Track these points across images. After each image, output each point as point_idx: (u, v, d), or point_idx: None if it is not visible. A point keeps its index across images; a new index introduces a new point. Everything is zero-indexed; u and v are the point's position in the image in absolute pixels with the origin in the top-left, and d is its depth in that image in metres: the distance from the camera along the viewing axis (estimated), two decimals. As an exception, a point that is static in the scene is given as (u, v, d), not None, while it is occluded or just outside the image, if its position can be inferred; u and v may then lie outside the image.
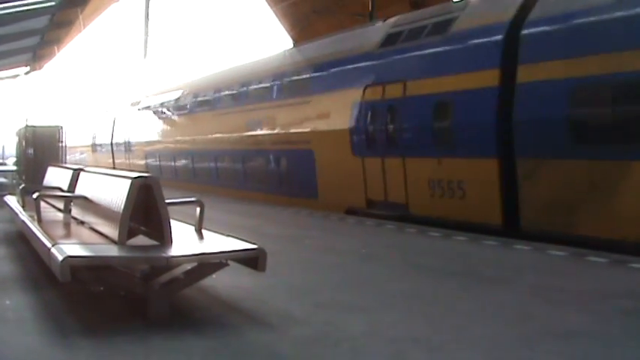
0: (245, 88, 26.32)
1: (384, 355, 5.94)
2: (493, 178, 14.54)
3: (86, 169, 11.12)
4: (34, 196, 9.99)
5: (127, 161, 38.72)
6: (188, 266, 7.32)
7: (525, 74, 13.88)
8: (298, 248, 12.29)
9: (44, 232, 8.45)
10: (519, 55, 14.12)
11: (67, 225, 9.84)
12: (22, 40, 33.04)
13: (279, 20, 52.27)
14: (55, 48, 41.62)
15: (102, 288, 8.34)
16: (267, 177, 24.12)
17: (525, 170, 13.81)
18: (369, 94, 18.41)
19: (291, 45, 26.24)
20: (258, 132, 24.46)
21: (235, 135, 26.36)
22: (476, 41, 15.71)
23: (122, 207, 7.51)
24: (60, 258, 6.52)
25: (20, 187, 14.24)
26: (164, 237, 7.42)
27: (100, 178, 9.39)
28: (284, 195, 22.67)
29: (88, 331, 6.66)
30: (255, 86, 25.54)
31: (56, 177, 13.36)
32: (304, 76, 22.41)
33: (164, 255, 6.96)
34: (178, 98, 33.33)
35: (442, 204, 15.83)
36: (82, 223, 9.67)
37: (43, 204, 10.39)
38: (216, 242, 7.83)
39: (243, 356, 5.89)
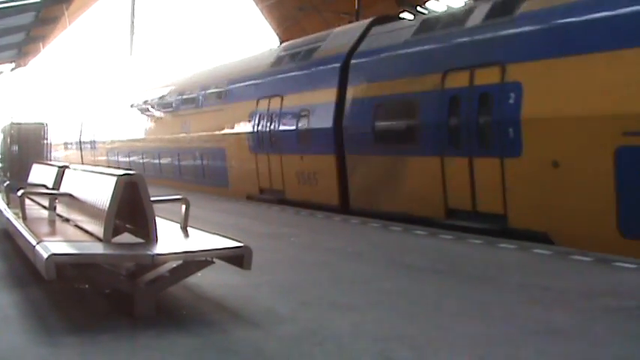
0: (181, 96, 30.96)
1: (369, 353, 5.95)
2: (332, 170, 19.55)
3: (72, 166, 11.09)
4: (19, 193, 9.96)
5: (93, 158, 43.21)
6: (174, 264, 7.33)
7: (350, 93, 19.13)
8: (284, 246, 12.29)
9: (29, 229, 8.43)
10: (348, 79, 19.39)
11: (52, 222, 9.81)
12: (7, 36, 32.91)
13: (266, 18, 52.25)
14: (41, 44, 41.48)
15: (87, 286, 8.33)
16: (195, 170, 29.05)
17: (351, 164, 18.99)
18: (260, 105, 23.51)
19: (278, 43, 27.03)
20: (189, 133, 29.37)
21: (172, 136, 31.23)
22: (325, 67, 20.86)
23: (107, 204, 7.49)
24: (45, 255, 6.50)
25: (5, 185, 14.21)
26: (150, 235, 7.42)
27: (86, 175, 9.36)
28: (206, 185, 27.34)
29: (73, 329, 6.65)
30: (188, 95, 30.27)
31: (41, 174, 13.32)
32: (220, 89, 27.24)
33: (150, 253, 6.95)
34: (129, 101, 38.32)
35: (305, 190, 20.79)
36: (67, 220, 9.65)
37: (27, 201, 10.37)
38: (202, 240, 7.83)
39: (228, 354, 5.89)
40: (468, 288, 8.75)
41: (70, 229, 8.89)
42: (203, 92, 28.62)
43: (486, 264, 10.45)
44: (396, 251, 11.72)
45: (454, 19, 16.62)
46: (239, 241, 7.39)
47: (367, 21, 20.90)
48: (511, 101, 13.73)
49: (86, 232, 8.27)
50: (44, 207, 11.34)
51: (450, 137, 15.22)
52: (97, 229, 7.73)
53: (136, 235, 7.98)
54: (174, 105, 31.44)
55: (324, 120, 19.95)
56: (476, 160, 14.51)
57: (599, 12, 12.50)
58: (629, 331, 6.74)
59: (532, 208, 13.44)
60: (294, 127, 21.32)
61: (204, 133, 27.71)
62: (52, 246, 6.93)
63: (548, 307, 7.69)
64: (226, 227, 12.51)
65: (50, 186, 11.47)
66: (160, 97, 33.43)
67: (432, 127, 15.82)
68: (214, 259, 7.27)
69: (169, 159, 31.79)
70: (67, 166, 11.19)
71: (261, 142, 23.11)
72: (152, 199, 7.52)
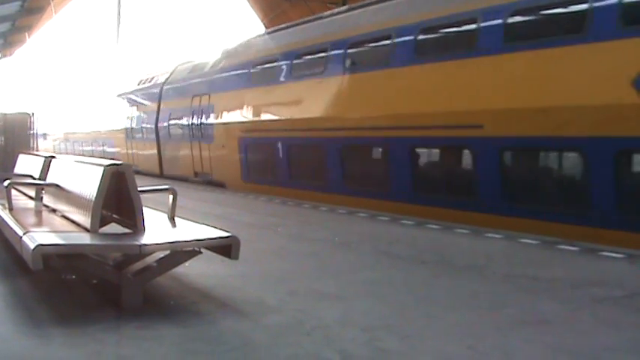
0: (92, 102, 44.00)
1: (357, 342, 5.95)
2: (155, 151, 32.23)
3: (58, 156, 11.04)
4: (5, 184, 9.89)
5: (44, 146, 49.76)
6: (161, 254, 7.30)
7: (162, 106, 31.52)
8: (271, 236, 12.29)
9: (15, 220, 8.38)
10: (161, 98, 32.03)
11: (38, 213, 9.76)
12: (-8, 26, 32.71)
13: (252, 8, 52.14)
14: (26, 34, 41.30)
15: (74, 276, 8.30)
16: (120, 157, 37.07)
17: (162, 148, 31.35)
18: (132, 111, 36.30)
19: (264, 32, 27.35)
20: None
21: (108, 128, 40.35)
22: (156, 90, 32.91)
23: (94, 195, 7.46)
24: (32, 246, 6.46)
25: (-10, 175, 14.14)
26: (137, 225, 7.39)
27: (72, 165, 9.32)
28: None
29: (60, 319, 6.62)
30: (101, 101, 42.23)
31: (27, 164, 13.25)
32: (130, 97, 37.18)
33: (137, 243, 6.92)
34: (68, 97, 49.80)
35: (142, 163, 33.46)
36: (53, 211, 9.60)
37: (14, 192, 10.30)
38: (189, 230, 7.81)
39: (216, 344, 5.88)
40: (455, 277, 8.77)
41: (56, 220, 8.84)
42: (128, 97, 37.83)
43: (473, 253, 10.47)
44: (384, 241, 11.72)
45: (197, 67, 29.50)
46: (227, 231, 7.37)
47: (176, 63, 33.44)
48: (212, 113, 25.77)
49: (73, 222, 8.22)
50: (31, 197, 11.29)
51: (193, 132, 27.47)
52: (84, 219, 7.69)
53: (123, 226, 7.95)
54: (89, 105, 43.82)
55: (151, 121, 32.46)
56: (201, 145, 26.83)
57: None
58: (615, 321, 6.77)
59: (218, 169, 25.88)
60: (146, 124, 33.62)
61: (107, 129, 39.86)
62: (38, 236, 6.89)
63: (536, 296, 7.72)
64: (213, 217, 12.51)
65: (37, 176, 11.42)
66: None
67: (185, 127, 28.21)
68: (202, 250, 7.26)
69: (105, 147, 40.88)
70: (53, 157, 11.13)
71: (131, 133, 35.65)
72: (139, 189, 7.50)
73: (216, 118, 25.34)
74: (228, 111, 24.51)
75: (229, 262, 7.36)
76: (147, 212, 7.68)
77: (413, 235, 12.44)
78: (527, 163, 14.37)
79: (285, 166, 21.36)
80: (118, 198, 7.67)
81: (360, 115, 17.67)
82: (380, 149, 17.77)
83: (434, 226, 13.18)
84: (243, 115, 23.39)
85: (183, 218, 8.60)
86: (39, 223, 8.84)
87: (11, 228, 7.94)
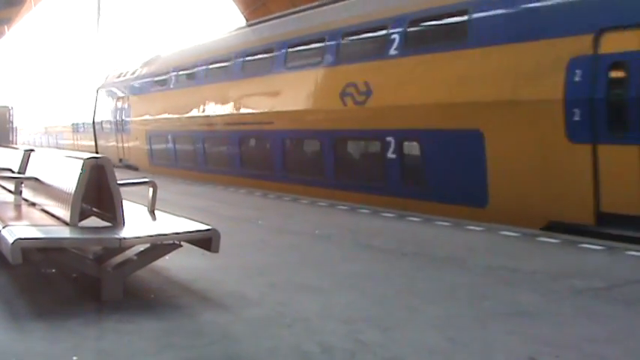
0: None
1: (338, 335, 5.95)
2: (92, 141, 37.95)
3: (37, 150, 10.98)
4: (-17, 177, 9.86)
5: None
6: (141, 247, 7.29)
7: (97, 105, 36.71)
8: (251, 229, 12.27)
9: (-6, 213, 8.34)
10: (97, 99, 36.96)
11: (17, 207, 9.71)
12: (-30, 19, 32.52)
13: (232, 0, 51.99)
14: (5, 27, 41.10)
15: (54, 270, 8.26)
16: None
17: (98, 139, 37.14)
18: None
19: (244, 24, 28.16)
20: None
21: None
22: (94, 92, 37.89)
23: (74, 188, 7.42)
24: (10, 240, 6.43)
25: (-31, 169, 14.03)
26: (117, 218, 7.36)
27: (52, 158, 9.28)
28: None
29: (39, 314, 6.59)
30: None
31: (6, 158, 13.17)
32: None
33: (117, 236, 6.89)
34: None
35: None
36: (33, 204, 9.55)
37: (-8, 185, 10.25)
38: (170, 223, 7.79)
39: (197, 337, 5.87)
40: (436, 270, 8.79)
41: (36, 213, 8.79)
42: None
43: (454, 246, 10.50)
44: (364, 233, 11.73)
45: (121, 74, 35.06)
46: (207, 224, 7.36)
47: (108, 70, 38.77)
48: (130, 112, 32.24)
49: (53, 216, 8.18)
50: (10, 191, 11.22)
51: (117, 127, 33.60)
52: (64, 212, 7.66)
53: (103, 219, 7.92)
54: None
55: (90, 118, 38.18)
56: (123, 137, 32.92)
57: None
58: (595, 312, 6.80)
59: (134, 156, 32.01)
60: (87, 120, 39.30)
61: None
62: (17, 230, 6.85)
63: (516, 288, 7.75)
64: (193, 210, 12.48)
65: (16, 170, 11.35)
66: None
67: (112, 123, 34.51)
68: (182, 243, 7.24)
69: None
70: (32, 150, 11.07)
71: (76, 127, 41.71)
72: (119, 182, 7.47)
73: (132, 116, 32.35)
74: (139, 110, 31.72)
75: (210, 255, 7.36)
76: (127, 205, 7.66)
77: (393, 228, 12.46)
78: (296, 147, 21.24)
79: (174, 153, 28.44)
80: (98, 191, 7.63)
81: (215, 114, 24.68)
82: (226, 139, 24.30)
83: (415, 219, 13.20)
84: (149, 114, 30.54)
85: (164, 211, 8.58)
86: (18, 216, 8.80)
87: (-10, 222, 7.89)
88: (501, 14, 13.79)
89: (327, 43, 18.89)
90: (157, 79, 30.34)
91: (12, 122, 23.34)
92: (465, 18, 14.45)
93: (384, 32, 16.80)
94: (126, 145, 33.11)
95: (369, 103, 16.81)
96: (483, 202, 13.71)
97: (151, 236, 7.13)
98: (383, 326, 6.23)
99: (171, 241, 7.19)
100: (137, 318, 6.35)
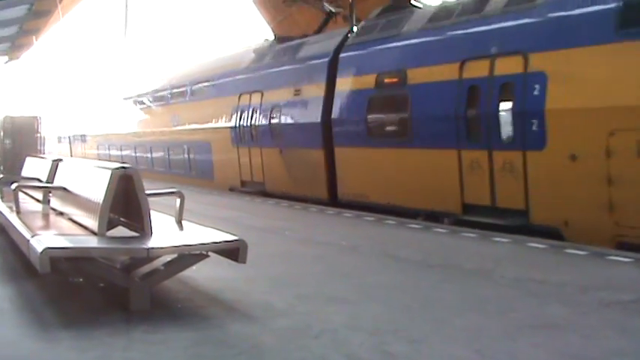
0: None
1: (365, 346, 5.94)
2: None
3: (65, 159, 11.05)
4: (13, 186, 9.92)
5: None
6: (168, 257, 7.30)
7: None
8: (278, 240, 12.27)
9: (23, 223, 8.39)
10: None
11: (45, 216, 9.78)
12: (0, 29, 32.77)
13: (259, 11, 52.08)
14: (34, 37, 41.40)
15: (81, 279, 8.30)
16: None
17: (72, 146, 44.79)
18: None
19: (272, 37, 27.82)
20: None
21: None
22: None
23: (102, 198, 7.46)
24: (39, 249, 6.48)
25: (-2, 178, 14.16)
26: (144, 228, 7.40)
27: (80, 168, 9.34)
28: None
29: (68, 323, 6.63)
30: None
31: (35, 167, 13.27)
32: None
33: (144, 246, 6.92)
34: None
35: None
36: (61, 214, 9.62)
37: (21, 195, 10.31)
38: (197, 233, 7.81)
39: (225, 348, 5.88)
40: (463, 281, 8.74)
41: (64, 223, 8.85)
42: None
43: (481, 257, 10.43)
44: (391, 245, 11.69)
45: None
46: (234, 235, 7.36)
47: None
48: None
49: (80, 225, 8.24)
50: (38, 200, 11.30)
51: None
52: (92, 222, 7.71)
53: (131, 229, 7.97)
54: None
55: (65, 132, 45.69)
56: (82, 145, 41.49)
57: None
58: (623, 325, 6.73)
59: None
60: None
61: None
62: (46, 239, 6.90)
63: (544, 300, 7.69)
64: (218, 220, 12.50)
65: (44, 179, 11.43)
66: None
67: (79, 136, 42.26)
68: (209, 253, 7.25)
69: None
70: (60, 160, 11.15)
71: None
72: (147, 192, 7.50)
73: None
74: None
75: (236, 266, 7.35)
76: (154, 215, 7.68)
77: (420, 239, 12.42)
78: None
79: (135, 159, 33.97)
80: (125, 201, 7.68)
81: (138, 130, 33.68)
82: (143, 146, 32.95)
83: (441, 230, 13.15)
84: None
85: (190, 221, 8.60)
86: (46, 226, 8.87)
87: (19, 231, 7.95)
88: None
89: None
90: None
91: (40, 132, 23.56)
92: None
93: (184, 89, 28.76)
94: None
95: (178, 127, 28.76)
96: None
97: (178, 246, 7.15)
98: (410, 338, 6.21)
99: (199, 252, 7.20)
100: (165, 328, 6.37)
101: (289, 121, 20.54)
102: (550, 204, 12.89)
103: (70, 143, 45.62)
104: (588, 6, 12.38)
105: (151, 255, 6.94)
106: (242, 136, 22.95)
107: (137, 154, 33.36)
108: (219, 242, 7.25)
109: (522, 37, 13.45)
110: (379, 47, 17.50)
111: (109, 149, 37.62)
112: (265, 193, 21.53)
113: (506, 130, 13.41)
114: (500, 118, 13.52)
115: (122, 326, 6.45)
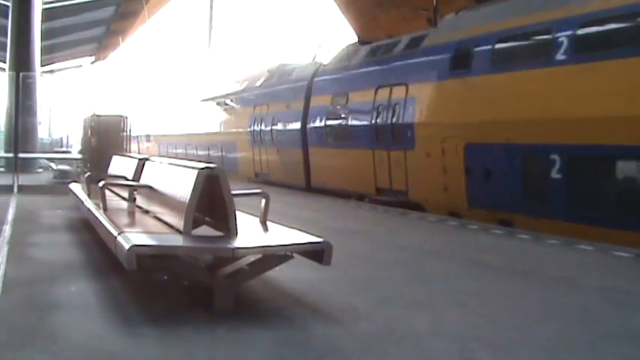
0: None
1: (449, 353, 5.90)
2: None
3: (152, 158, 11.20)
4: (100, 184, 10.07)
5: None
6: (252, 258, 7.34)
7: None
8: (359, 242, 12.26)
9: (110, 220, 8.53)
10: None
11: (131, 214, 9.92)
12: (87, 30, 33.53)
13: (343, 14, 52.12)
14: (120, 38, 42.19)
15: (166, 277, 8.39)
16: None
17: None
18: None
19: (356, 39, 28.36)
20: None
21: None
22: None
23: (188, 197, 7.53)
24: (126, 246, 6.57)
25: (86, 176, 14.41)
26: (230, 228, 7.44)
27: (166, 168, 9.44)
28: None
29: (152, 319, 6.70)
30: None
31: (121, 166, 13.48)
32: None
33: (230, 246, 6.96)
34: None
35: None
36: (146, 212, 9.73)
37: (107, 193, 10.48)
38: (281, 234, 7.83)
39: (308, 349, 5.89)
40: (547, 289, 8.62)
41: (149, 221, 8.96)
42: None
43: (565, 265, 10.30)
44: (474, 250, 11.61)
45: None
46: (319, 237, 7.37)
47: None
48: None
49: (166, 224, 8.32)
50: (123, 198, 11.47)
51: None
52: (177, 221, 7.78)
53: (215, 228, 8.03)
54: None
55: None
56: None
57: None
58: None
59: None
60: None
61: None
62: (133, 237, 7.00)
63: (630, 311, 7.55)
64: (299, 221, 12.50)
65: (130, 178, 11.60)
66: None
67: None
68: (294, 254, 7.27)
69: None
70: (147, 159, 11.30)
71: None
72: (232, 192, 7.55)
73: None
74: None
75: (319, 268, 7.34)
76: (239, 215, 7.72)
77: (503, 245, 12.30)
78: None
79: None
80: (210, 200, 7.74)
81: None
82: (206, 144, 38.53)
83: (524, 236, 13.01)
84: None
85: (274, 222, 8.63)
86: (132, 223, 8.99)
87: (106, 228, 8.08)
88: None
89: None
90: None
91: (126, 131, 23.83)
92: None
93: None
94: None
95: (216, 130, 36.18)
96: None
97: (263, 247, 7.18)
98: (494, 346, 6.14)
99: (283, 252, 7.22)
100: (248, 328, 6.40)
101: (283, 127, 27.91)
102: (418, 186, 19.28)
103: (137, 143, 48.10)
104: (439, 54, 18.68)
105: (235, 255, 6.99)
106: (255, 138, 30.65)
107: (187, 151, 39.85)
108: (304, 244, 7.27)
109: (405, 73, 20.17)
110: (335, 75, 25.11)
111: (166, 147, 44.84)
112: (269, 183, 27.54)
113: (397, 136, 19.95)
114: (393, 128, 20.15)
115: (206, 325, 6.50)
